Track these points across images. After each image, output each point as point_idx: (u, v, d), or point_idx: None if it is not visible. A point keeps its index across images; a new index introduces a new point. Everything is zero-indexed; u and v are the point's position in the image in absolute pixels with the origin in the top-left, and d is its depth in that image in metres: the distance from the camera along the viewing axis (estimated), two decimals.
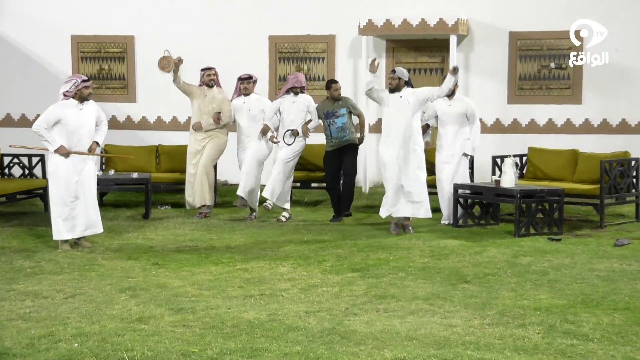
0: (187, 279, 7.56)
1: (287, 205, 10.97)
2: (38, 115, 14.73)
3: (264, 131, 10.84)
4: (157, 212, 11.62)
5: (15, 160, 12.23)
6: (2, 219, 10.97)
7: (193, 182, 11.11)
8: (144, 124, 14.64)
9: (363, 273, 7.79)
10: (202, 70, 11.28)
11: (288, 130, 10.76)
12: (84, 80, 9.06)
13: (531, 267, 8.05)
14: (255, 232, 10.04)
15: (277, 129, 10.93)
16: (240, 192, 10.82)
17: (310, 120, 10.85)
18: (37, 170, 12.27)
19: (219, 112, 11.01)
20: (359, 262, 8.29)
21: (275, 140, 10.85)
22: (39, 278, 7.61)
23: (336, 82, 10.92)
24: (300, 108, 10.82)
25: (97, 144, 9.18)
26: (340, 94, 10.82)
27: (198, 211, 11.16)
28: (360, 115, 11.04)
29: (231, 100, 11.16)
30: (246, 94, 11.07)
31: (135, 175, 11.59)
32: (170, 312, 6.42)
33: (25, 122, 14.78)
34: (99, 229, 9.24)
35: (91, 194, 9.16)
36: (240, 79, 11.12)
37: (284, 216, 10.91)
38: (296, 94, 10.82)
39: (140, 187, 11.50)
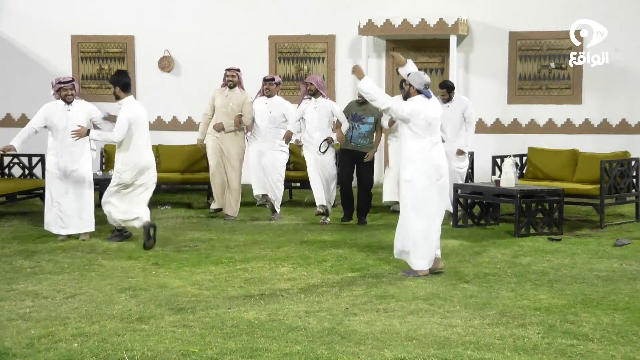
0: (187, 279, 7.56)
1: (330, 208, 10.89)
2: None
3: (287, 137, 10.71)
4: (157, 212, 11.62)
5: (15, 160, 12.24)
6: (2, 219, 10.97)
7: (219, 184, 11.06)
8: None
9: (363, 273, 7.79)
10: (225, 69, 11.21)
11: (324, 140, 10.56)
12: (59, 82, 9.35)
13: (531, 267, 8.06)
14: (255, 232, 10.03)
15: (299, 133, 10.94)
16: (257, 192, 10.93)
17: (340, 124, 10.61)
18: (37, 170, 12.27)
19: (241, 115, 10.98)
20: (359, 262, 8.29)
21: (299, 144, 10.83)
22: (39, 278, 7.61)
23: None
24: (323, 113, 10.64)
25: (88, 131, 9.16)
26: (362, 99, 10.18)
27: (223, 214, 11.19)
28: (379, 132, 10.68)
29: (253, 101, 11.14)
30: (268, 95, 11.00)
31: None
32: (170, 312, 6.42)
33: (25, 122, 14.67)
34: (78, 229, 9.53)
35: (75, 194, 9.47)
36: (264, 79, 11.10)
37: (327, 220, 10.77)
38: (312, 93, 10.62)
39: None
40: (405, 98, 7.86)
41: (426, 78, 7.78)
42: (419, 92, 7.73)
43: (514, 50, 13.44)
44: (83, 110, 9.44)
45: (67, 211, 9.37)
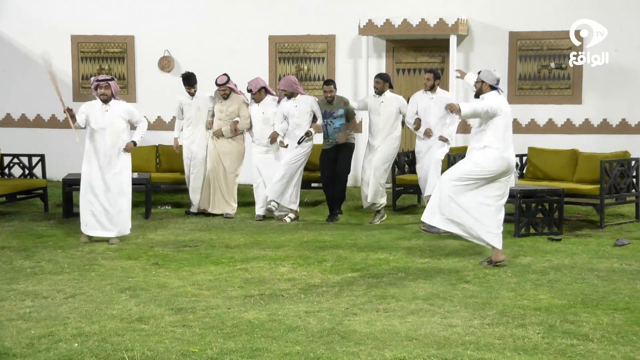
0: (187, 279, 7.56)
1: (294, 207, 10.98)
2: (38, 115, 14.85)
3: (273, 138, 10.87)
4: (157, 212, 11.63)
5: (15, 160, 12.23)
6: (2, 219, 10.97)
7: (207, 187, 11.19)
8: None
9: (363, 273, 7.79)
10: (217, 85, 11.17)
11: (304, 136, 10.75)
12: (97, 80, 9.39)
13: (531, 267, 8.05)
14: (255, 232, 10.04)
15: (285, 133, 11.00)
16: (259, 212, 11.06)
17: (317, 120, 10.89)
18: (37, 170, 12.27)
19: (236, 122, 11.07)
20: (359, 262, 8.29)
21: (284, 144, 10.88)
22: (39, 278, 7.61)
23: (329, 83, 10.85)
24: (303, 110, 10.83)
25: (134, 143, 9.47)
26: (331, 97, 10.73)
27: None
28: (351, 119, 10.89)
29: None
30: (256, 101, 11.09)
31: (135, 175, 11.55)
32: (170, 312, 6.42)
33: (25, 122, 14.78)
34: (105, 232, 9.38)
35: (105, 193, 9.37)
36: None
37: (289, 217, 10.93)
38: (288, 97, 10.86)
39: (140, 187, 11.47)
40: (477, 95, 8.06)
41: (497, 74, 8.01)
42: (492, 87, 7.95)
43: (514, 50, 13.43)
44: (122, 110, 9.44)
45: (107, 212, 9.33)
